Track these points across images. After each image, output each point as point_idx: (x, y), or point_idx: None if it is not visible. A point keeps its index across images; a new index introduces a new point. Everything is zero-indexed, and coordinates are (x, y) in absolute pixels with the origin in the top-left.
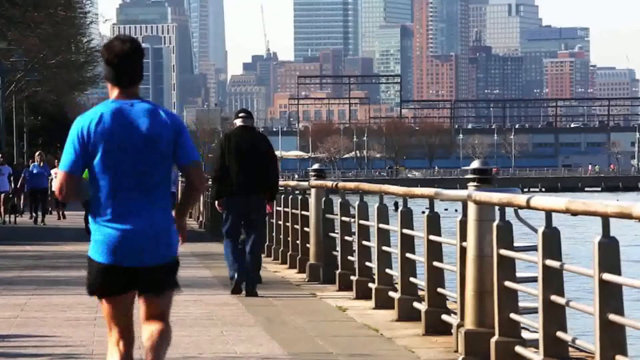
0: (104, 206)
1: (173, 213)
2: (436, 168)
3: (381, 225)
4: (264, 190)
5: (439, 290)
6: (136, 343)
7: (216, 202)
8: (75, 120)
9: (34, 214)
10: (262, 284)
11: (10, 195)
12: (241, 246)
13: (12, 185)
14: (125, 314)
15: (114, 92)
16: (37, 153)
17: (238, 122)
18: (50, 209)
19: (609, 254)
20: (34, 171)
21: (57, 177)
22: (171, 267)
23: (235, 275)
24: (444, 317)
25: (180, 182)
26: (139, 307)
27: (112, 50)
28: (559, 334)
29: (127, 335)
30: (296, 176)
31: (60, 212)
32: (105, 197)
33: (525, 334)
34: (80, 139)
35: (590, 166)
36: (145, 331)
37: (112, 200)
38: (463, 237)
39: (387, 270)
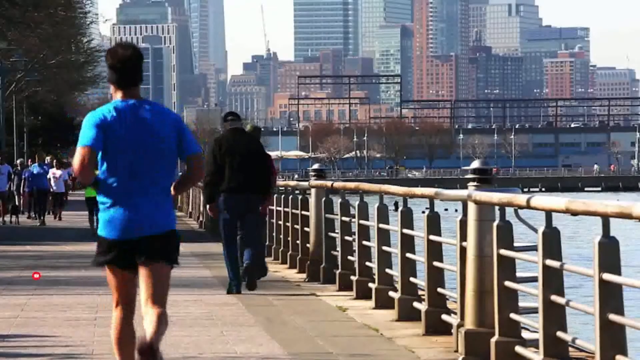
0: (114, 190)
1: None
2: (424, 169)
3: (381, 225)
4: (260, 189)
5: (439, 290)
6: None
7: (208, 206)
8: (90, 113)
9: (34, 214)
10: (262, 284)
11: (9, 196)
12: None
13: (14, 184)
14: (126, 284)
15: (117, 94)
16: (37, 153)
17: (227, 125)
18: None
19: (609, 254)
20: (34, 171)
21: (77, 153)
22: (168, 238)
23: (234, 288)
24: (444, 317)
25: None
26: (141, 290)
27: (115, 56)
28: (559, 333)
29: (128, 300)
30: (296, 176)
31: (58, 213)
32: (115, 182)
33: (525, 334)
34: (99, 123)
35: (595, 165)
36: (145, 317)
37: (121, 185)
38: (463, 237)
39: (387, 270)
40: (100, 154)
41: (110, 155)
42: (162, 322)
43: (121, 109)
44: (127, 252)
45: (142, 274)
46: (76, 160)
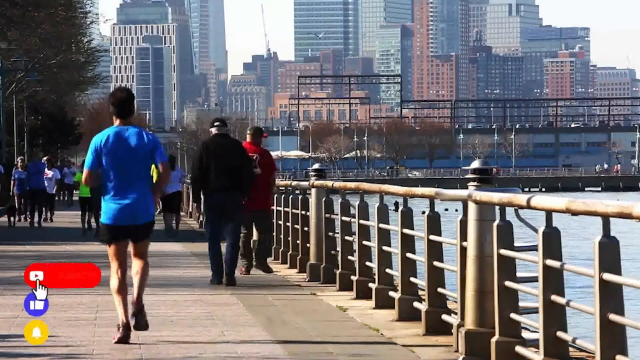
0: (110, 190)
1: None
2: (411, 171)
3: (381, 225)
4: (239, 188)
5: (439, 290)
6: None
7: (194, 203)
8: (94, 137)
9: (24, 216)
10: (262, 284)
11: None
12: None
13: (13, 185)
14: (121, 254)
15: (116, 122)
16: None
17: (214, 130)
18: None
19: (609, 254)
20: (31, 171)
21: (84, 172)
22: (148, 225)
23: (215, 279)
24: (444, 317)
25: (185, 182)
26: (131, 250)
27: (115, 97)
28: (559, 333)
29: (122, 267)
30: (289, 175)
31: (50, 214)
32: (111, 185)
33: (525, 334)
34: (97, 148)
35: (617, 166)
36: (134, 265)
37: (114, 186)
38: (463, 237)
39: (388, 270)
40: (101, 164)
41: (107, 165)
42: (145, 272)
43: (116, 131)
44: (120, 234)
45: (132, 245)
46: (83, 177)
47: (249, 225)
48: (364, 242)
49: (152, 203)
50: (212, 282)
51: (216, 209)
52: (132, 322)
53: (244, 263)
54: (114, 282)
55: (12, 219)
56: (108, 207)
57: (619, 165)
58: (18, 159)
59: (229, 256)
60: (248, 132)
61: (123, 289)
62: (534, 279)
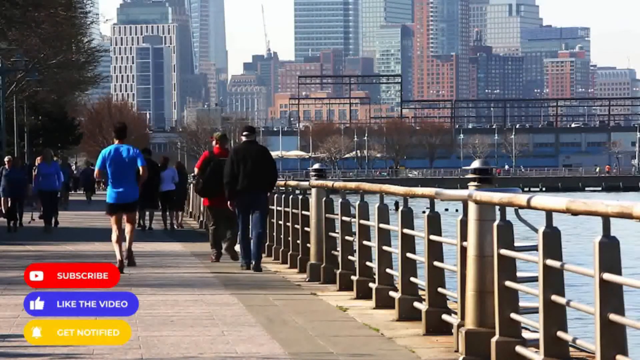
0: (111, 183)
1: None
2: (411, 171)
3: (382, 225)
4: (264, 188)
5: (440, 290)
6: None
7: (229, 202)
8: (102, 150)
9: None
10: (263, 284)
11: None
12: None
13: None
14: (118, 221)
15: (116, 141)
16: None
17: (244, 138)
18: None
19: (610, 254)
20: (43, 171)
21: (96, 171)
22: (134, 203)
23: (244, 263)
24: (445, 317)
25: (192, 184)
26: (124, 219)
27: (115, 126)
28: (560, 333)
29: (119, 228)
30: (288, 175)
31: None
32: (111, 179)
33: (525, 334)
34: (104, 157)
35: (608, 166)
36: (126, 228)
37: (114, 180)
38: (463, 237)
39: (388, 270)
40: (106, 167)
41: (109, 167)
42: (132, 232)
43: (115, 147)
44: (117, 209)
45: (125, 215)
46: (95, 174)
47: (218, 220)
48: (364, 242)
49: (137, 190)
50: (242, 267)
51: (244, 206)
52: (125, 262)
53: (214, 252)
54: (114, 236)
55: (11, 223)
56: (110, 192)
57: (608, 166)
58: (6, 158)
59: (255, 248)
60: (215, 137)
61: (119, 240)
62: (534, 279)
